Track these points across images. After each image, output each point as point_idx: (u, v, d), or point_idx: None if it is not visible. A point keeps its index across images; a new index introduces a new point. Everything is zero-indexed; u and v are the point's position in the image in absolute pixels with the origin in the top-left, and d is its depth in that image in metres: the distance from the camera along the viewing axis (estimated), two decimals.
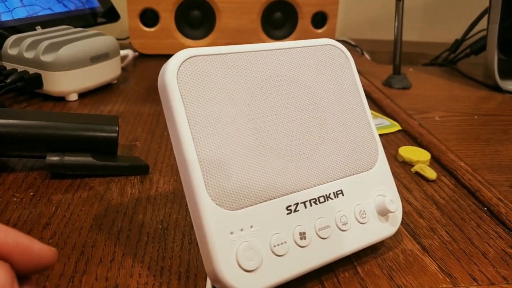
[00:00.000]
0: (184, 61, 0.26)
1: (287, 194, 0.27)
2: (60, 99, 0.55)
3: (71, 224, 0.32)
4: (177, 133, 0.25)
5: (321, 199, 0.28)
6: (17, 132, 0.36)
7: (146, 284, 0.27)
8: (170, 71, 0.25)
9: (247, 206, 0.25)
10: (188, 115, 0.25)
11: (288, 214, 0.26)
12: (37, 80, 0.52)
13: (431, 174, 0.42)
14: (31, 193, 0.35)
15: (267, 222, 0.26)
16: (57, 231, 0.31)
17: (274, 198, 0.26)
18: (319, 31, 0.86)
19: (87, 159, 0.37)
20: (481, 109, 0.63)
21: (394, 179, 0.40)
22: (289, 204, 0.27)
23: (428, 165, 0.44)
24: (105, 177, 0.38)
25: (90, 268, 0.28)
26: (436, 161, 0.46)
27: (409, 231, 0.34)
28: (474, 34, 0.87)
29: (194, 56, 0.26)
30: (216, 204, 0.24)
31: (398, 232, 0.33)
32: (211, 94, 0.26)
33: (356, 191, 0.30)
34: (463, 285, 0.28)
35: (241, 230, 0.25)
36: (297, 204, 0.27)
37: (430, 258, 0.31)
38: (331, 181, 0.29)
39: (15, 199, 0.35)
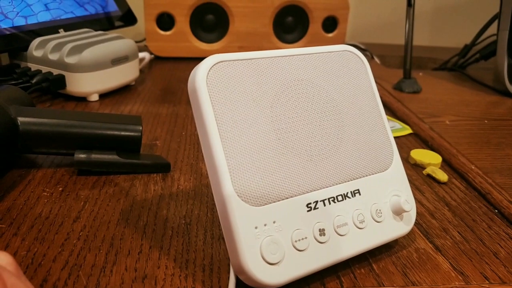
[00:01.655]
0: (212, 66, 0.27)
1: (307, 192, 0.28)
2: (82, 99, 0.57)
3: (100, 218, 0.34)
4: (206, 133, 0.26)
5: (339, 198, 0.29)
6: (47, 130, 0.38)
7: (173, 275, 0.28)
8: (201, 75, 0.27)
9: (270, 203, 0.27)
10: (217, 116, 0.27)
11: (308, 211, 0.28)
12: (61, 81, 0.54)
13: (442, 176, 0.43)
14: (60, 189, 0.37)
15: (288, 218, 0.27)
16: (86, 225, 0.33)
17: (295, 195, 0.28)
18: (330, 35, 0.88)
19: (113, 156, 0.39)
20: (491, 113, 0.64)
21: (408, 182, 0.41)
22: (309, 202, 0.28)
23: (439, 168, 0.46)
24: (129, 174, 0.40)
25: (119, 260, 0.29)
26: (447, 164, 0.47)
27: (422, 231, 0.35)
28: (484, 39, 0.88)
29: (222, 62, 0.28)
30: (242, 200, 0.26)
31: (411, 232, 0.35)
32: (237, 97, 0.28)
33: (372, 190, 0.31)
34: (475, 283, 0.30)
35: (265, 225, 0.26)
36: (316, 202, 0.28)
37: (443, 257, 0.32)
38: (348, 181, 0.30)
39: (45, 193, 0.36)
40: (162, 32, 0.80)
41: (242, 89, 0.28)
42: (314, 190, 0.29)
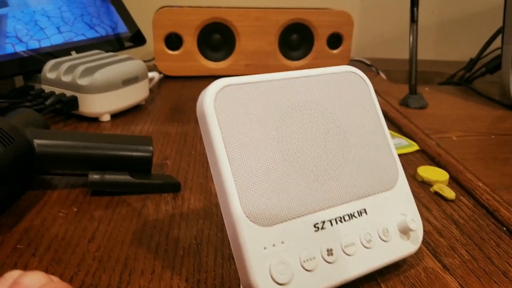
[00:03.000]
0: (220, 90, 0.28)
1: (314, 212, 0.29)
2: (94, 120, 0.59)
3: (113, 238, 0.34)
4: (214, 155, 0.27)
5: (346, 218, 0.30)
6: (62, 152, 0.39)
7: None
8: (208, 99, 0.28)
9: (278, 223, 0.27)
10: (224, 138, 0.28)
11: (315, 231, 0.29)
12: (74, 102, 0.55)
13: (450, 193, 0.44)
14: (75, 209, 0.38)
15: (296, 238, 0.28)
16: (101, 245, 0.34)
17: (302, 215, 0.28)
18: (335, 51, 0.89)
19: (125, 177, 0.40)
20: (498, 128, 0.64)
21: (415, 199, 0.42)
22: (316, 222, 0.29)
23: (446, 185, 0.46)
24: (141, 194, 0.41)
25: (133, 280, 0.30)
26: (454, 181, 0.48)
27: (430, 250, 0.35)
28: (489, 53, 0.89)
29: (229, 85, 0.29)
30: (251, 220, 0.27)
31: (419, 251, 0.35)
32: (244, 119, 0.28)
33: (378, 209, 0.32)
34: None
35: (273, 245, 0.27)
36: (323, 222, 0.29)
37: (451, 276, 0.32)
38: (354, 200, 0.31)
39: (61, 214, 0.37)
40: (170, 52, 0.82)
41: (248, 111, 0.29)
42: (321, 210, 0.29)
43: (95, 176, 0.39)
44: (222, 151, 0.27)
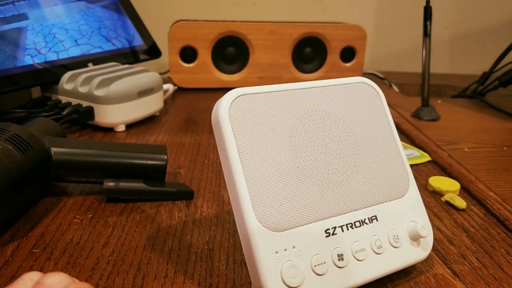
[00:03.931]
0: (234, 99, 0.29)
1: (325, 218, 0.29)
2: (109, 130, 0.60)
3: (127, 243, 0.35)
4: (228, 162, 0.28)
5: (357, 224, 0.31)
6: (79, 160, 0.40)
7: None
8: (223, 108, 0.29)
9: (289, 228, 0.28)
10: (238, 146, 0.28)
11: (326, 236, 0.29)
12: (90, 112, 0.57)
13: (461, 203, 0.44)
14: (89, 215, 0.39)
15: (308, 243, 0.28)
16: (115, 250, 0.34)
17: (314, 221, 0.29)
18: (348, 65, 0.90)
19: (139, 184, 0.41)
20: (511, 140, 0.64)
21: (425, 208, 0.42)
22: (327, 228, 0.29)
23: (457, 195, 0.46)
24: (154, 202, 0.42)
25: (146, 283, 0.31)
26: (465, 191, 0.48)
27: (440, 257, 0.36)
28: (502, 67, 0.89)
29: (243, 95, 0.30)
30: (263, 225, 0.27)
31: (429, 258, 0.35)
32: (257, 128, 0.29)
33: (389, 216, 0.32)
34: None
35: (285, 250, 0.27)
36: (335, 227, 0.30)
37: (461, 283, 0.32)
38: (366, 207, 0.31)
39: (76, 220, 0.38)
40: (185, 65, 0.83)
41: (262, 120, 0.30)
42: (333, 216, 0.30)
43: (110, 184, 0.40)
44: (236, 158, 0.28)
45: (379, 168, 0.33)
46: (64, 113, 0.56)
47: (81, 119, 0.57)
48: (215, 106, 0.29)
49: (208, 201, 0.43)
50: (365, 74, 0.99)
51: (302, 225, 0.28)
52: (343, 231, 0.30)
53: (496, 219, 0.42)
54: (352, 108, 0.34)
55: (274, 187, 0.28)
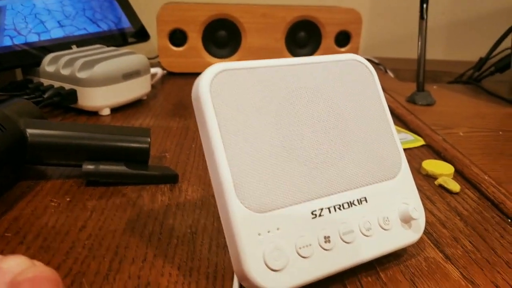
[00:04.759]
0: (216, 75, 0.27)
1: (312, 199, 0.28)
2: (93, 114, 0.58)
3: (106, 227, 0.34)
4: (208, 140, 0.26)
5: (345, 205, 0.29)
6: (55, 142, 0.38)
7: (177, 283, 0.28)
8: (204, 83, 0.27)
9: (274, 209, 0.26)
10: (220, 123, 0.27)
11: (313, 218, 0.28)
12: (73, 95, 0.55)
13: (454, 186, 0.42)
14: (67, 199, 0.37)
15: (293, 225, 0.27)
16: (92, 234, 0.33)
17: (300, 202, 0.27)
18: (343, 49, 0.88)
19: (120, 167, 0.39)
20: (507, 125, 0.63)
21: (419, 192, 0.41)
22: (314, 209, 0.28)
23: (451, 178, 0.45)
24: (137, 185, 0.40)
25: (123, 267, 0.29)
26: (459, 175, 0.46)
27: (432, 240, 0.34)
28: (499, 52, 0.87)
29: (226, 70, 0.28)
30: (245, 206, 0.26)
31: (421, 241, 0.34)
32: (240, 105, 0.28)
33: (379, 198, 0.31)
34: None
35: (268, 232, 0.26)
36: (321, 209, 0.28)
37: (453, 266, 0.31)
38: (355, 188, 0.30)
39: (53, 204, 0.37)
40: (174, 48, 0.81)
41: (246, 97, 0.28)
42: (320, 197, 0.28)
43: (90, 167, 0.39)
44: (217, 137, 0.26)
45: (369, 148, 0.32)
46: (45, 96, 0.54)
47: (63, 102, 0.55)
48: (195, 81, 0.28)
49: (193, 184, 0.41)
50: None
51: (287, 206, 0.27)
52: (330, 212, 0.28)
53: (491, 203, 0.41)
54: (342, 86, 0.32)
55: (257, 167, 0.27)
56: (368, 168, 0.31)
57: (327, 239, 0.27)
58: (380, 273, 0.30)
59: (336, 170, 0.29)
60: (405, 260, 0.31)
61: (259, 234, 0.26)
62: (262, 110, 0.28)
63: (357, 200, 0.30)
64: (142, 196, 0.38)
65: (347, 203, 0.29)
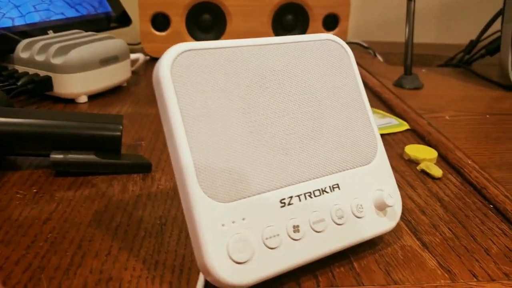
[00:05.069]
0: (178, 55, 0.26)
1: (281, 187, 0.27)
2: (70, 101, 0.56)
3: (71, 219, 0.32)
4: (169, 126, 0.25)
5: (316, 193, 0.28)
6: (21, 131, 0.37)
7: (140, 277, 0.27)
8: (164, 65, 0.26)
9: (239, 199, 0.25)
10: (181, 107, 0.25)
11: (281, 207, 0.26)
12: (47, 82, 0.53)
13: (436, 171, 0.41)
14: (34, 190, 0.36)
15: (259, 215, 0.25)
16: (56, 226, 0.31)
17: (268, 191, 0.26)
18: (331, 33, 0.86)
19: (90, 157, 0.38)
20: (494, 108, 0.62)
21: (398, 177, 0.40)
22: (283, 198, 0.27)
23: (434, 163, 0.44)
24: (108, 175, 0.39)
25: (85, 262, 0.28)
26: (443, 160, 0.45)
27: (410, 228, 0.33)
28: (490, 35, 0.86)
29: (189, 50, 0.26)
30: (208, 196, 0.24)
31: (398, 229, 0.33)
32: (205, 88, 0.26)
33: (353, 185, 0.29)
34: (462, 281, 0.28)
35: (233, 222, 0.25)
36: (291, 197, 0.27)
37: (430, 254, 0.30)
38: (327, 175, 0.29)
39: (18, 195, 0.35)
40: (157, 33, 0.79)
41: (211, 79, 0.26)
42: (289, 185, 0.27)
43: (57, 156, 0.37)
44: (178, 121, 0.25)
45: (343, 133, 0.30)
46: (19, 83, 0.52)
47: (38, 89, 0.53)
48: (156, 63, 0.26)
49: (167, 174, 0.40)
50: (349, 44, 0.96)
51: (253, 195, 0.26)
52: (300, 200, 0.27)
53: (473, 188, 0.40)
54: (316, 67, 0.31)
55: (222, 154, 0.25)
56: (341, 154, 0.30)
57: (296, 228, 0.26)
58: (354, 263, 0.29)
59: (307, 156, 0.28)
60: (380, 249, 0.30)
61: (222, 225, 0.24)
62: (229, 94, 0.27)
63: (329, 187, 0.28)
64: (112, 186, 0.37)
65: (319, 190, 0.28)
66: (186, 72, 0.26)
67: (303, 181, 0.28)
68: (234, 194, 0.25)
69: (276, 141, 0.27)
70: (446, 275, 0.28)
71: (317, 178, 0.28)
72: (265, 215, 0.26)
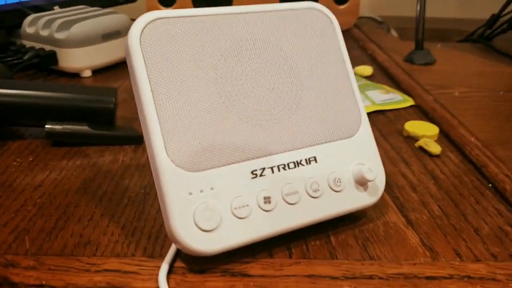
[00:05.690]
0: (148, 24, 0.26)
1: (253, 158, 0.27)
2: (75, 75, 0.57)
3: (60, 186, 0.33)
4: (139, 95, 0.25)
5: (291, 165, 0.28)
6: (17, 102, 0.38)
7: (117, 242, 0.27)
8: (134, 34, 0.26)
9: (208, 169, 0.25)
10: (150, 77, 0.25)
11: (253, 178, 0.26)
12: (52, 57, 0.54)
13: (435, 148, 0.40)
14: (30, 159, 0.37)
15: (229, 185, 0.26)
16: (46, 192, 0.32)
17: (239, 162, 0.26)
18: (342, 7, 0.84)
19: (83, 128, 0.39)
20: (509, 85, 0.59)
21: (394, 154, 0.39)
22: (254, 169, 0.26)
23: (435, 140, 0.42)
24: (101, 146, 0.39)
25: (68, 226, 0.29)
26: (445, 137, 0.44)
27: (397, 205, 0.33)
28: None
29: (160, 19, 0.26)
30: (176, 165, 0.25)
31: (383, 205, 0.32)
32: (175, 57, 0.26)
33: (331, 158, 0.29)
34: (443, 259, 0.27)
35: (201, 191, 0.25)
36: (263, 169, 0.27)
37: (413, 232, 0.30)
38: (304, 147, 0.28)
39: (15, 163, 0.36)
40: (163, 8, 0.79)
41: (181, 48, 0.26)
42: (262, 157, 0.27)
43: (51, 126, 0.38)
44: (147, 91, 0.25)
45: (324, 106, 0.30)
46: (25, 58, 0.53)
47: (43, 64, 0.54)
48: (128, 32, 0.26)
49: None
50: (361, 18, 0.93)
51: (223, 166, 0.26)
52: (273, 172, 0.27)
53: (473, 166, 0.38)
54: (296, 37, 0.30)
55: (192, 124, 0.25)
56: (321, 126, 0.29)
57: (267, 199, 0.26)
58: (331, 237, 0.29)
59: (283, 128, 0.28)
60: (361, 225, 0.30)
61: (190, 194, 0.24)
62: (201, 63, 0.27)
63: (306, 160, 0.28)
64: (103, 156, 0.38)
65: (294, 162, 0.28)
66: (157, 41, 0.26)
67: (278, 153, 0.27)
68: (203, 163, 0.25)
69: (250, 113, 0.27)
70: (427, 253, 0.27)
71: (293, 150, 0.28)
72: (235, 186, 0.26)
